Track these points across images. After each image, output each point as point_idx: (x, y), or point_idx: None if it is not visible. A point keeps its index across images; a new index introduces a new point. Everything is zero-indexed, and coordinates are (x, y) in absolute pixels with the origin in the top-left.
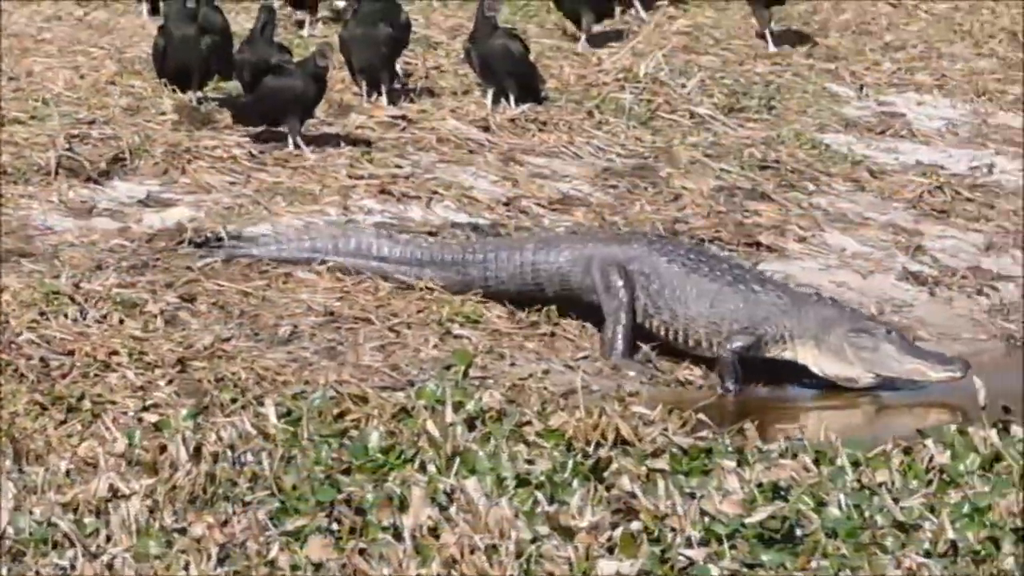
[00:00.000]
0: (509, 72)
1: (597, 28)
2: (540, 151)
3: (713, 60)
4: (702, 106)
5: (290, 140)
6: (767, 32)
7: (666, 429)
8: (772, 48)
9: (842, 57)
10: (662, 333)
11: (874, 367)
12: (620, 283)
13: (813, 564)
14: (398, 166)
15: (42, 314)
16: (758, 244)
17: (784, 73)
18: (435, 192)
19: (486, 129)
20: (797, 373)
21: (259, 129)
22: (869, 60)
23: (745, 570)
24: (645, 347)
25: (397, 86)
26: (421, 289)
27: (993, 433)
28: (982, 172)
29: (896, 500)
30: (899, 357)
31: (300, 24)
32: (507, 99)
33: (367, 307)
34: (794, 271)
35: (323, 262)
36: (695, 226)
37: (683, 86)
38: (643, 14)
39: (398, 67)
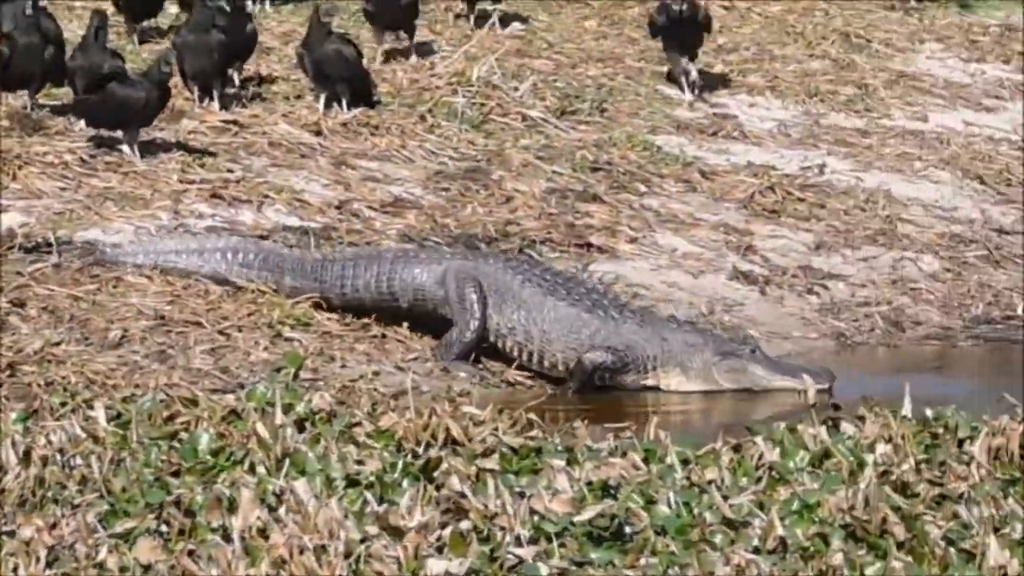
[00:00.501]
0: (342, 77)
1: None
2: (372, 155)
3: (546, 64)
4: (534, 109)
5: (125, 147)
6: (682, 79)
7: (496, 429)
8: (688, 96)
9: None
10: (515, 353)
11: (743, 388)
12: (475, 297)
13: (642, 561)
14: (229, 170)
15: None
16: (589, 245)
17: (616, 76)
18: (266, 196)
19: (318, 133)
20: None
21: (94, 133)
22: (702, 62)
23: (574, 568)
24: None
25: (230, 91)
26: (252, 292)
27: (823, 430)
28: (813, 172)
29: (725, 497)
30: (768, 376)
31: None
32: (340, 104)
33: (197, 311)
34: (625, 271)
35: (183, 268)
36: (527, 227)
37: (516, 90)
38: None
39: (234, 73)
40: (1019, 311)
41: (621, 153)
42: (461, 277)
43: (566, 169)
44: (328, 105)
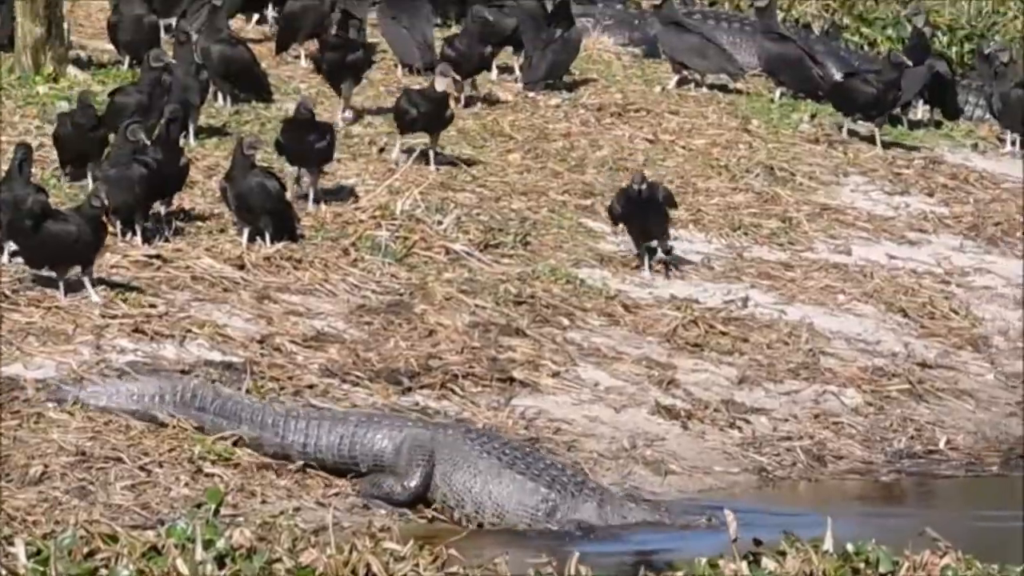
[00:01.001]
0: (265, 210)
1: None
2: (295, 289)
3: (470, 197)
4: (458, 243)
5: (86, 283)
6: (645, 259)
7: (417, 564)
8: (647, 275)
9: (598, 193)
10: (463, 524)
11: None
12: (421, 470)
13: None
14: (152, 305)
15: None
16: (511, 379)
17: (540, 209)
18: (189, 330)
19: (241, 267)
20: None
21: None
22: None
23: None
24: None
25: (153, 225)
26: (174, 428)
27: (744, 565)
28: (736, 306)
29: None
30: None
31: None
32: (263, 237)
33: (118, 446)
34: (547, 406)
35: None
36: (449, 361)
37: (439, 223)
38: (395, 154)
39: (161, 207)
40: (941, 445)
41: (544, 286)
42: (415, 446)
43: (489, 303)
44: (251, 239)
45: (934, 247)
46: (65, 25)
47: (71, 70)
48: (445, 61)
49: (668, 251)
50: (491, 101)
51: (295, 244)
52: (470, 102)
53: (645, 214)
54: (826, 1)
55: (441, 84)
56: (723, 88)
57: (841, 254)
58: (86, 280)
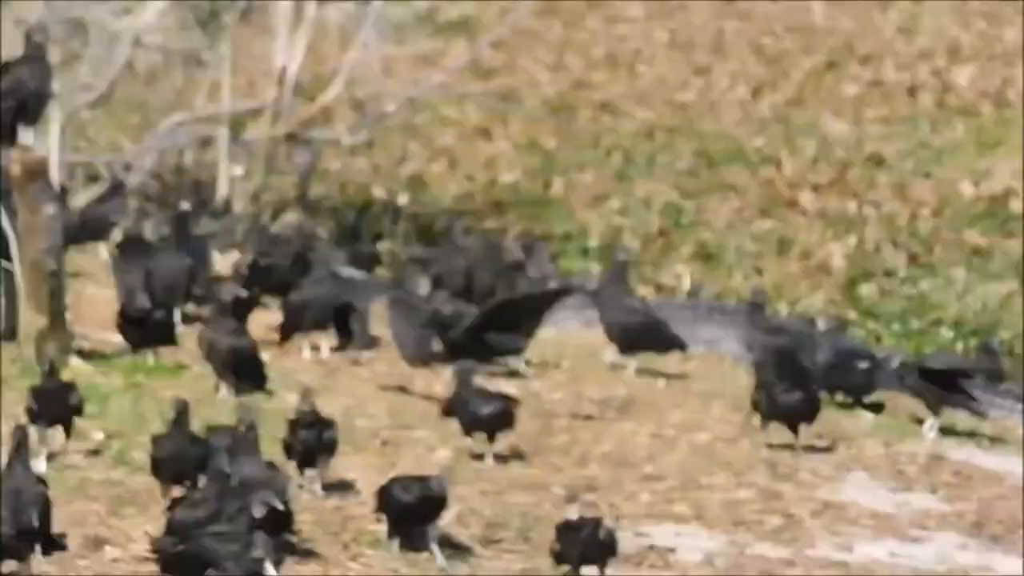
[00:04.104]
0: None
1: None
2: None
3: (471, 490)
4: (459, 537)
5: None
6: None
7: None
8: None
9: (601, 488)
10: None
11: None
12: None
13: None
14: None
15: None
16: None
17: (543, 503)
18: None
19: None
20: None
21: None
22: (627, 491)
23: None
24: None
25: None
26: None
27: None
28: None
29: None
30: None
31: None
32: None
33: None
34: None
35: None
36: None
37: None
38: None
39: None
40: None
41: None
42: None
43: None
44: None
45: (936, 545)
46: (68, 315)
47: (73, 361)
48: None
49: None
50: None
51: (294, 537)
52: None
53: None
54: (832, 295)
55: None
56: (727, 381)
57: (843, 551)
58: None
